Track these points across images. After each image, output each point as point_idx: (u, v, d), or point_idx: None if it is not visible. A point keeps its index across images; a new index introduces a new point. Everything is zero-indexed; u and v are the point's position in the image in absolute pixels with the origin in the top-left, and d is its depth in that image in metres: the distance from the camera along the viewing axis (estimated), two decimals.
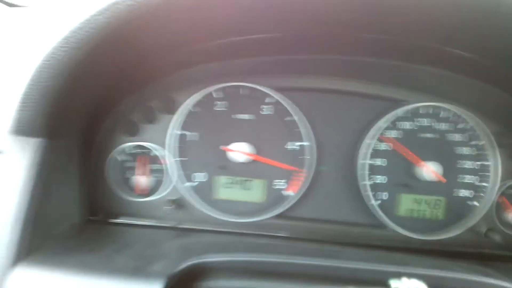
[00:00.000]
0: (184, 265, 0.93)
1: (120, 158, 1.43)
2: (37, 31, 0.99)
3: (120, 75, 1.20)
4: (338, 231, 1.44)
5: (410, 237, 1.40)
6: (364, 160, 1.42)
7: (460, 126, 1.43)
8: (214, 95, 1.42)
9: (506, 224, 1.44)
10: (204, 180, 1.45)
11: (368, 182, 1.42)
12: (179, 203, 1.42)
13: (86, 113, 1.21)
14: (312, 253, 1.10)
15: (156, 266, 0.93)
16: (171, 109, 1.42)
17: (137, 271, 0.91)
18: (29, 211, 0.96)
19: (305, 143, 1.43)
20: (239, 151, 1.39)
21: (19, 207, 0.95)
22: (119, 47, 0.98)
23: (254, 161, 1.43)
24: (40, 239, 1.00)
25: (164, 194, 1.43)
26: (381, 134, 1.43)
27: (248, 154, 1.39)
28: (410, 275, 0.81)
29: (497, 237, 1.37)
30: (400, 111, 1.41)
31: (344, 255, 1.08)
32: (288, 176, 1.45)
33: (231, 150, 1.40)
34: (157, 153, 1.43)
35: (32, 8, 1.33)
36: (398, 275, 0.82)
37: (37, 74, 0.88)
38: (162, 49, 1.16)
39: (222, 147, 1.41)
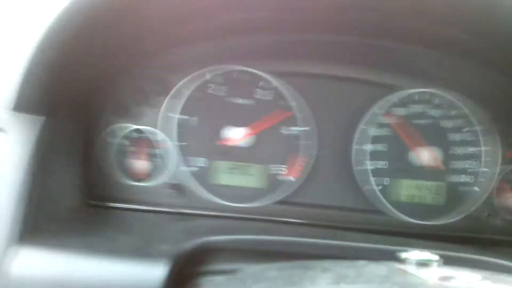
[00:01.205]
0: (190, 245, 0.91)
1: (121, 142, 1.41)
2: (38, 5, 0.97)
3: (124, 50, 1.17)
4: (339, 216, 1.43)
5: (410, 222, 1.40)
6: (358, 145, 1.42)
7: (456, 112, 1.43)
8: (209, 78, 1.40)
9: (506, 209, 1.44)
10: (203, 165, 1.43)
11: (365, 167, 1.42)
12: (179, 188, 1.41)
13: (89, 94, 1.19)
14: (317, 236, 1.09)
15: (161, 247, 0.91)
16: (177, 94, 1.40)
17: (142, 251, 0.89)
18: (31, 191, 0.93)
19: (304, 128, 1.42)
20: (238, 137, 1.39)
21: (21, 185, 0.92)
22: (118, 18, 0.96)
23: (253, 146, 1.42)
24: (42, 219, 0.98)
25: (166, 178, 1.41)
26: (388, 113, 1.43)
27: (245, 136, 1.40)
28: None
29: (497, 222, 1.38)
30: (395, 97, 1.40)
31: (349, 238, 1.08)
32: (290, 162, 1.44)
33: (231, 141, 1.39)
34: (161, 137, 1.41)
35: None
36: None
37: (39, 48, 0.86)
38: (159, 25, 1.14)
39: (218, 142, 1.41)
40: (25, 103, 0.95)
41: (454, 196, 1.44)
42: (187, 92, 1.40)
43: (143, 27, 1.10)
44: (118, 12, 0.91)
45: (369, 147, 1.43)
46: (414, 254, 0.69)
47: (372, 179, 1.43)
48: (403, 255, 0.70)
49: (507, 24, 0.96)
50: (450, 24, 1.07)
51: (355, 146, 1.42)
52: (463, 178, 1.44)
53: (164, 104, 1.40)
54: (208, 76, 1.40)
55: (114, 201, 1.38)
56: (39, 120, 0.99)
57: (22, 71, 0.89)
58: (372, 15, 1.10)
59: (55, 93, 0.96)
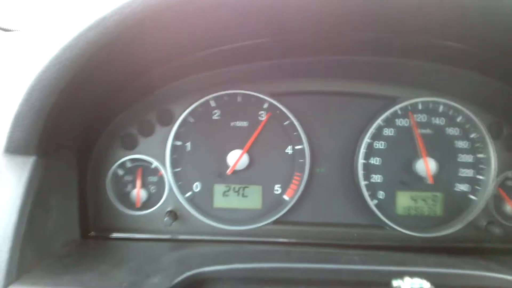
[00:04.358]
0: (181, 277, 0.91)
1: (119, 172, 1.41)
2: (29, 52, 0.98)
3: (115, 90, 1.18)
4: (337, 233, 1.42)
5: (411, 236, 1.38)
6: (364, 159, 1.41)
7: (457, 120, 1.42)
8: (211, 104, 1.41)
9: (505, 216, 1.43)
10: (202, 189, 1.43)
11: (365, 182, 1.40)
12: (177, 214, 1.40)
13: (82, 129, 1.19)
14: (312, 258, 1.08)
15: (153, 280, 0.91)
16: (168, 121, 1.40)
17: (134, 286, 0.89)
18: (26, 231, 0.93)
19: (299, 147, 1.41)
20: (238, 159, 1.38)
21: (15, 226, 0.92)
22: (111, 62, 0.96)
23: (250, 167, 1.41)
24: (37, 258, 0.98)
25: (162, 205, 1.41)
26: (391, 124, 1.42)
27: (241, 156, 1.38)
28: (412, 274, 0.79)
29: (497, 230, 1.36)
30: (398, 108, 1.39)
31: (344, 258, 1.07)
32: (284, 181, 1.43)
33: (233, 165, 1.38)
34: (155, 165, 1.41)
35: (24, 32, 1.35)
36: (400, 275, 0.80)
37: (30, 93, 0.86)
38: (155, 62, 1.14)
39: (215, 166, 1.40)
40: (16, 146, 0.95)
41: (453, 206, 1.43)
42: (186, 119, 1.40)
43: (144, 63, 1.11)
44: (116, 52, 0.91)
45: (375, 160, 1.43)
46: (406, 282, 0.68)
47: (373, 193, 1.42)
48: (394, 283, 0.69)
49: (506, 33, 0.96)
50: (449, 36, 1.06)
51: (360, 160, 1.40)
52: (460, 187, 1.43)
53: (162, 132, 1.40)
54: (208, 102, 1.41)
55: (112, 231, 1.37)
56: (32, 160, 0.99)
57: (13, 115, 0.90)
58: (371, 32, 1.09)
59: (48, 134, 0.96)
